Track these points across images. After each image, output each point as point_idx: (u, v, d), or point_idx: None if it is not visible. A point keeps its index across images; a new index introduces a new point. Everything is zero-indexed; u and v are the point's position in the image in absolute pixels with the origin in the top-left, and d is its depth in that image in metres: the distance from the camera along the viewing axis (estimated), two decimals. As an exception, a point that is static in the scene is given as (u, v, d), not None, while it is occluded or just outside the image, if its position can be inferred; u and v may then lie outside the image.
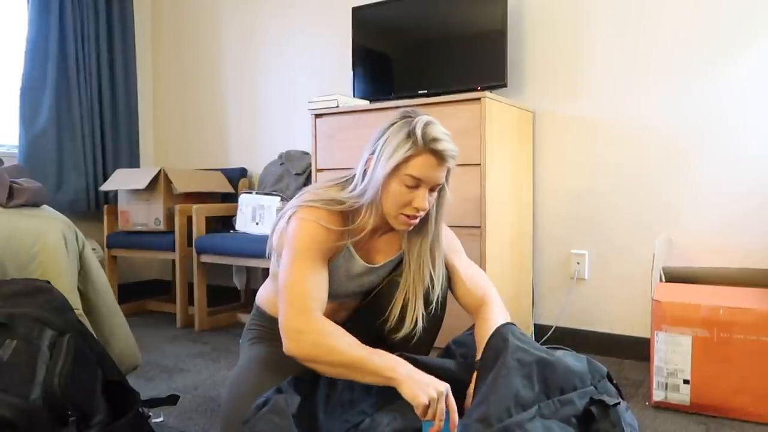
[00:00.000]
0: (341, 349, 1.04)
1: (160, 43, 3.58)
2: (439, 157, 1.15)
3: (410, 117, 1.17)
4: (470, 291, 1.30)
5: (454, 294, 1.35)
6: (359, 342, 1.06)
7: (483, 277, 1.34)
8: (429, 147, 1.14)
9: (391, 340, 1.27)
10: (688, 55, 2.06)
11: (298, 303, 1.09)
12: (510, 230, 2.14)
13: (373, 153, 1.19)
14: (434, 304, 1.30)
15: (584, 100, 2.25)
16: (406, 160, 1.14)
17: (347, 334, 1.07)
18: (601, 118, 2.22)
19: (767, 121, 1.94)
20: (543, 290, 2.36)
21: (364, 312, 1.33)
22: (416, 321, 1.25)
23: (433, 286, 1.28)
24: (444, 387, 1.01)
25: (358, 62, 2.55)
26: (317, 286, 1.13)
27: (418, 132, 1.13)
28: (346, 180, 1.26)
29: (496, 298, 1.30)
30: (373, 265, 1.29)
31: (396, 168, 1.14)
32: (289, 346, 1.07)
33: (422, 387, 0.99)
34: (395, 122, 1.18)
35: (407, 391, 0.99)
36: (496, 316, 1.24)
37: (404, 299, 1.26)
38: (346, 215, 1.22)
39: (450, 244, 1.35)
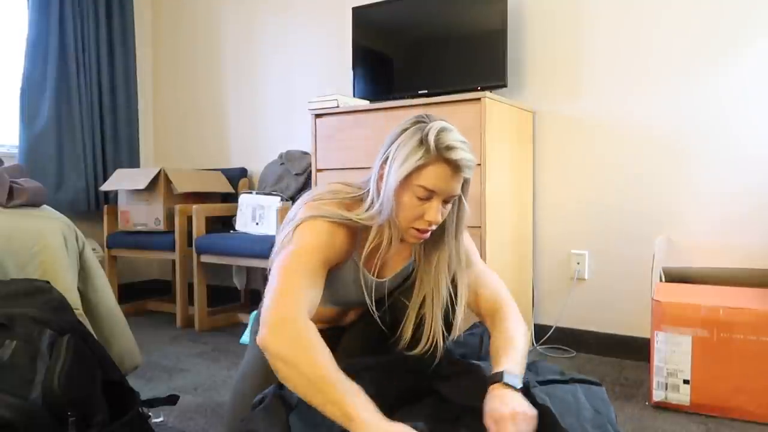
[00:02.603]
0: (316, 362, 0.90)
1: (160, 43, 3.58)
2: (454, 167, 1.06)
3: (424, 122, 1.09)
4: (484, 298, 1.23)
5: (468, 302, 1.27)
6: (335, 364, 0.93)
7: (497, 282, 1.27)
8: (442, 156, 1.05)
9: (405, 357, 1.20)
10: (688, 55, 2.05)
11: (286, 295, 0.98)
12: (510, 230, 2.14)
13: (385, 161, 1.10)
14: (456, 329, 1.21)
15: (584, 101, 2.25)
16: (417, 169, 1.05)
17: (327, 349, 0.94)
18: (602, 119, 2.22)
19: (767, 122, 1.94)
20: (543, 290, 2.36)
21: (374, 332, 1.26)
22: (433, 339, 1.16)
23: (454, 309, 1.19)
24: None
25: (358, 62, 2.55)
26: (311, 289, 1.03)
27: (431, 139, 1.05)
28: (359, 196, 1.16)
29: (511, 305, 1.22)
30: (381, 279, 1.23)
31: (407, 178, 1.06)
32: (263, 334, 0.93)
33: None
34: (407, 128, 1.10)
35: None
36: (515, 326, 1.16)
37: (419, 315, 1.18)
38: (358, 230, 1.15)
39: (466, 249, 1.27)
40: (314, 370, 0.89)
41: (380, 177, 1.11)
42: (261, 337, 0.93)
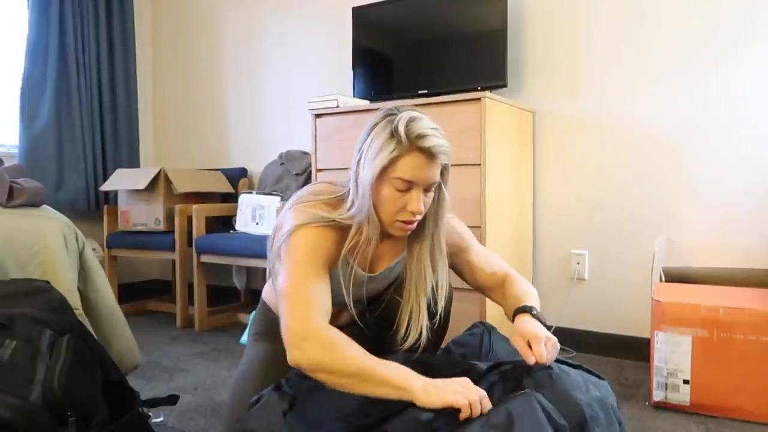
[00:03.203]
0: (349, 357, 0.95)
1: (160, 43, 3.58)
2: (428, 154, 1.06)
3: (393, 114, 1.09)
4: (489, 274, 1.28)
5: (473, 284, 1.32)
6: (367, 352, 0.98)
7: (497, 258, 1.32)
8: (415, 145, 1.05)
9: (396, 350, 1.23)
10: (688, 55, 2.05)
11: (300, 310, 1.01)
12: (510, 230, 2.14)
13: (359, 159, 1.11)
14: (438, 317, 1.25)
15: (584, 100, 2.25)
16: (392, 162, 1.06)
17: (354, 342, 0.99)
18: (602, 119, 2.22)
19: (767, 122, 1.94)
20: (543, 290, 2.36)
21: (373, 326, 1.28)
22: (420, 330, 1.19)
23: (435, 299, 1.22)
24: (465, 382, 0.93)
25: (358, 62, 2.55)
26: (320, 293, 1.06)
27: (401, 129, 1.05)
28: (342, 195, 1.18)
29: (517, 274, 1.27)
30: (372, 274, 1.24)
31: (383, 172, 1.06)
32: (293, 355, 0.98)
33: (445, 391, 0.90)
34: (378, 122, 1.10)
35: (427, 400, 0.90)
36: (528, 287, 1.21)
37: (409, 309, 1.21)
38: (345, 229, 1.16)
39: (455, 243, 1.28)
40: (351, 367, 0.94)
41: (357, 175, 1.11)
42: (290, 359, 0.98)
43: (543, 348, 1.00)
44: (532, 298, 1.18)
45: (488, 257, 1.32)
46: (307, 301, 1.02)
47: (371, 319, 1.27)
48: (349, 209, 1.12)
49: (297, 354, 0.98)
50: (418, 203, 1.08)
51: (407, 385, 0.91)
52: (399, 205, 1.09)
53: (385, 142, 1.06)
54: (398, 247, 1.26)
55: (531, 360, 1.00)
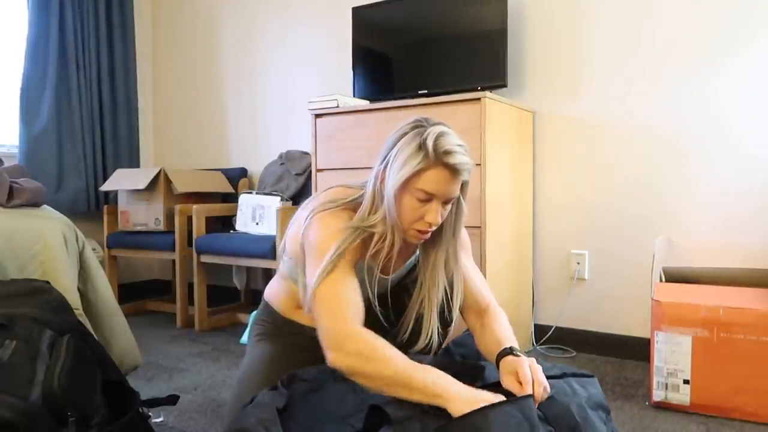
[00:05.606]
0: (385, 361, 0.96)
1: (160, 44, 3.58)
2: (452, 170, 1.09)
3: (422, 126, 1.12)
4: (473, 291, 1.25)
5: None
6: (404, 356, 0.99)
7: (483, 280, 1.31)
8: (441, 160, 1.08)
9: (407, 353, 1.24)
10: (688, 55, 2.05)
11: (335, 312, 1.04)
12: (510, 230, 2.14)
13: (385, 166, 1.13)
14: (452, 326, 1.26)
15: (584, 101, 2.25)
16: (416, 173, 1.09)
17: (392, 347, 1.00)
18: (602, 119, 2.22)
19: (767, 122, 1.94)
20: (543, 290, 2.36)
21: (378, 320, 1.28)
22: (431, 335, 1.21)
23: (449, 307, 1.23)
24: (497, 400, 0.93)
25: (358, 62, 2.55)
26: (351, 294, 1.08)
27: (430, 144, 1.08)
28: (357, 197, 1.19)
29: (499, 307, 1.26)
30: (387, 277, 1.27)
31: (407, 181, 1.09)
32: (331, 356, 1.01)
33: (473, 407, 0.90)
34: (407, 132, 1.12)
35: (457, 412, 0.91)
36: (502, 325, 1.19)
37: (418, 312, 1.22)
38: (366, 234, 1.18)
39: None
40: (388, 371, 0.95)
41: (381, 180, 1.14)
42: (330, 360, 1.01)
43: (531, 390, 0.98)
44: (512, 338, 1.15)
45: (477, 274, 1.31)
46: (341, 303, 1.05)
47: (385, 312, 1.30)
48: (369, 214, 1.16)
49: (334, 356, 1.00)
50: (436, 215, 1.12)
51: (442, 393, 0.92)
52: (417, 215, 1.12)
53: (412, 154, 1.09)
54: (411, 249, 1.29)
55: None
